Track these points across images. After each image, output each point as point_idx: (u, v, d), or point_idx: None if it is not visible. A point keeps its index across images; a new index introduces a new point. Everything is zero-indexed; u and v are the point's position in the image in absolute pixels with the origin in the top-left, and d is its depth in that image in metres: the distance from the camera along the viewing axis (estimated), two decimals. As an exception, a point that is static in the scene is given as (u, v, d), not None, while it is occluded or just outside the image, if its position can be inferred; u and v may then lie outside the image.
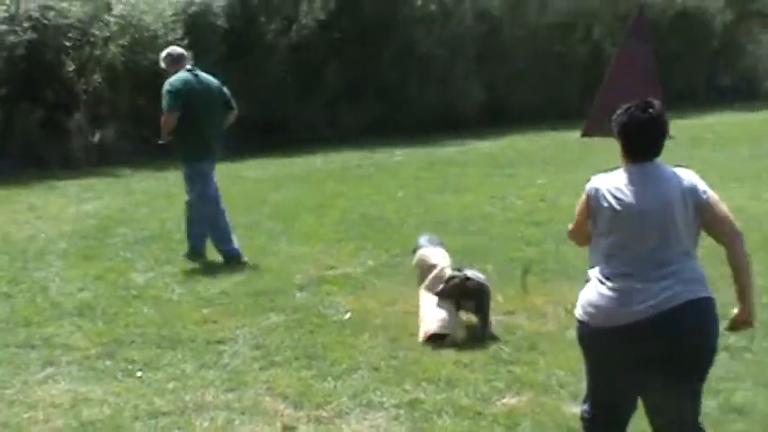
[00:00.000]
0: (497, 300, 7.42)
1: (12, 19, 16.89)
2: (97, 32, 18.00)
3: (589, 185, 4.17)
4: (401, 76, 22.20)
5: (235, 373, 6.25)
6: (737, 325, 4.11)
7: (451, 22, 23.21)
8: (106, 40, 18.02)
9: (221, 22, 19.55)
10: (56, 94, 17.82)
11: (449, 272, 7.05)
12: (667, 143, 4.12)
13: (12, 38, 16.80)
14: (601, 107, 20.23)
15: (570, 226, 4.45)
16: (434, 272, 7.18)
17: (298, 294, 8.19)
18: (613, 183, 4.08)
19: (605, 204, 4.05)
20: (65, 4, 17.73)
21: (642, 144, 4.07)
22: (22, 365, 6.48)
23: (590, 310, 4.05)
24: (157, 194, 13.71)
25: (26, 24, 17.05)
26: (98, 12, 18.16)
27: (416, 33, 22.55)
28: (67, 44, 17.75)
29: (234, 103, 9.46)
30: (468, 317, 7.11)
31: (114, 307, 7.87)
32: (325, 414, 5.56)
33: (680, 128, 14.87)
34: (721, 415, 5.27)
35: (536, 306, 7.65)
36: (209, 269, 9.07)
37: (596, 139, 19.21)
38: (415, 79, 22.40)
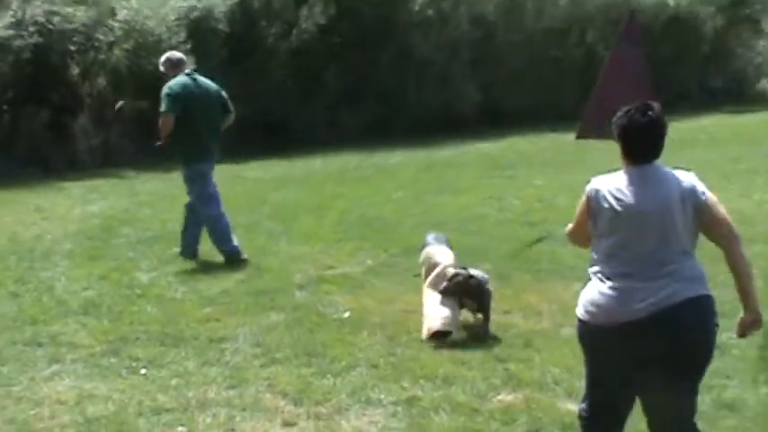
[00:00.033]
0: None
1: (18, 24, 16.88)
2: (102, 37, 18.00)
3: (589, 187, 4.17)
4: (399, 80, 22.18)
5: (236, 371, 6.25)
6: (746, 328, 4.07)
7: (448, 26, 23.19)
8: (110, 45, 18.02)
9: (223, 26, 19.54)
10: (61, 97, 17.81)
11: (452, 270, 7.03)
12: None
13: (18, 42, 16.80)
14: (594, 109, 20.14)
15: (569, 227, 4.43)
16: (437, 270, 7.17)
17: (297, 293, 8.19)
18: (614, 184, 4.07)
19: (606, 205, 4.05)
20: (70, 10, 17.72)
21: (642, 146, 4.06)
22: (29, 363, 6.49)
23: (591, 308, 4.04)
24: (161, 195, 13.69)
25: (32, 29, 17.03)
26: (102, 17, 18.16)
27: (414, 38, 22.53)
28: (72, 48, 17.74)
29: (231, 107, 9.49)
30: (465, 316, 7.12)
31: (119, 305, 7.88)
32: (324, 410, 5.56)
33: (673, 129, 14.83)
34: (713, 411, 5.27)
35: (531, 305, 7.66)
36: (211, 269, 9.08)
37: (591, 141, 19.20)
38: (413, 82, 22.37)
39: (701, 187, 4.01)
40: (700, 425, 4.20)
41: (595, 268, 4.11)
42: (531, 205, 12.27)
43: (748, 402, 5.53)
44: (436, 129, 21.50)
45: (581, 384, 5.66)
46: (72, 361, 6.51)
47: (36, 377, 6.21)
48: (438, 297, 6.91)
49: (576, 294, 7.74)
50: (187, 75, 9.16)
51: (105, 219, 12.10)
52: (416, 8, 22.39)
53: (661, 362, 3.92)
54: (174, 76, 9.12)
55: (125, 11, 18.11)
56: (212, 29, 19.34)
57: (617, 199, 4.02)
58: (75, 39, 17.71)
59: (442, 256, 7.44)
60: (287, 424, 5.40)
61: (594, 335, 4.07)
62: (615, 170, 4.17)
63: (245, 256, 9.33)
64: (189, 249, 9.41)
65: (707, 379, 4.17)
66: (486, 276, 7.09)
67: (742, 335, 4.11)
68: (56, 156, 17.21)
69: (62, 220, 12.16)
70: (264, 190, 14.33)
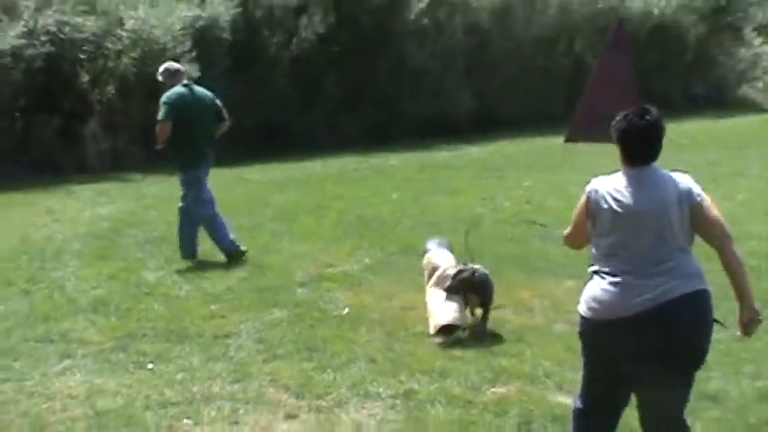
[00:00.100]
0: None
1: (30, 33, 16.87)
2: (110, 46, 17.98)
3: (589, 187, 4.15)
4: (396, 87, 22.17)
5: (240, 366, 6.25)
6: (747, 325, 4.03)
7: (444, 35, 23.18)
8: (119, 53, 18.00)
9: (227, 35, 19.52)
10: (72, 104, 17.79)
11: (456, 267, 6.99)
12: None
13: (30, 51, 16.78)
14: (583, 115, 20.24)
15: (567, 231, 4.41)
16: (439, 271, 7.14)
17: (299, 291, 8.19)
18: (613, 185, 4.06)
19: (605, 206, 4.03)
20: (80, 20, 17.70)
21: (640, 149, 4.05)
22: (41, 358, 6.48)
23: (593, 304, 4.02)
24: (166, 198, 13.63)
25: (44, 38, 17.02)
26: (111, 26, 18.14)
27: (410, 46, 22.52)
28: (82, 57, 17.72)
29: (226, 114, 9.59)
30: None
31: (126, 303, 7.87)
32: (325, 404, 5.56)
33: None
34: (697, 402, 5.24)
35: (523, 301, 7.65)
36: (215, 268, 9.06)
37: (579, 144, 19.24)
38: (410, 89, 22.37)
39: (696, 189, 4.00)
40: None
41: (595, 267, 4.09)
42: (521, 206, 12.26)
43: (731, 394, 5.52)
44: (432, 134, 21.47)
45: (572, 377, 5.69)
46: (82, 357, 6.51)
47: (48, 372, 6.21)
48: (443, 295, 6.85)
49: (568, 291, 7.84)
50: (184, 85, 9.27)
51: (114, 220, 12.08)
52: (412, 17, 22.36)
53: (660, 356, 3.90)
54: (173, 85, 9.23)
55: (132, 21, 18.09)
56: (216, 38, 19.33)
57: (616, 200, 4.01)
58: (84, 48, 17.69)
59: (442, 259, 7.41)
60: (289, 417, 5.39)
61: (596, 331, 4.05)
62: (611, 172, 4.16)
63: (243, 248, 9.37)
64: (188, 250, 9.43)
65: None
66: (487, 272, 7.06)
67: (746, 333, 4.06)
68: (66, 160, 17.18)
69: (72, 221, 12.14)
70: (266, 192, 14.32)
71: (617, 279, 3.96)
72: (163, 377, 6.06)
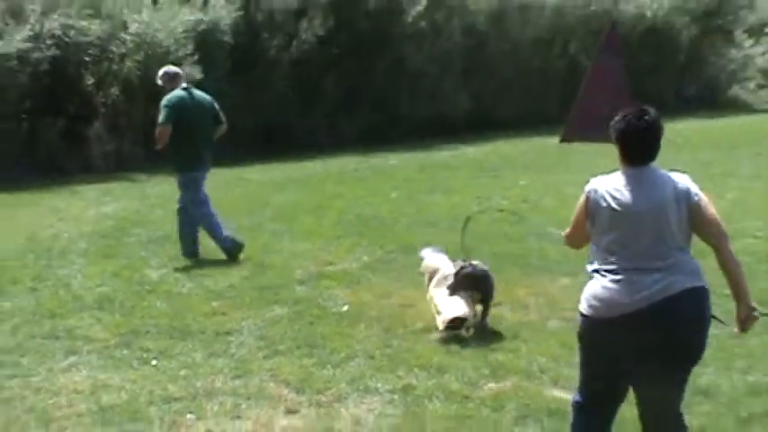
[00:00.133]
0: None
1: (36, 37, 16.85)
2: (114, 49, 17.96)
3: (588, 187, 4.15)
4: (395, 88, 22.14)
5: (241, 362, 6.25)
6: (744, 322, 4.03)
7: (441, 38, 23.16)
8: (123, 57, 17.98)
9: (228, 38, 19.50)
10: (77, 106, 17.76)
11: (457, 264, 6.96)
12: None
13: (36, 55, 16.77)
14: (577, 116, 20.24)
15: (566, 231, 4.40)
16: (439, 273, 7.10)
17: (299, 288, 8.19)
18: (612, 184, 4.05)
19: (604, 204, 4.03)
20: (85, 23, 17.68)
21: (639, 149, 4.04)
22: (47, 355, 6.49)
23: (594, 303, 4.01)
24: (170, 198, 13.52)
25: (49, 42, 17.00)
26: (115, 30, 18.12)
27: (408, 48, 22.49)
28: (87, 60, 17.70)
29: (223, 118, 9.62)
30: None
31: (131, 301, 7.87)
32: (324, 399, 5.56)
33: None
34: (689, 397, 5.23)
35: (519, 298, 7.65)
36: (217, 266, 9.07)
37: (574, 144, 19.24)
38: (408, 90, 22.34)
39: (694, 189, 4.00)
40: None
41: (595, 265, 4.07)
42: (517, 205, 12.23)
43: (722, 388, 5.53)
44: (429, 135, 21.46)
45: (567, 373, 5.70)
46: (87, 353, 6.52)
47: (54, 368, 6.21)
48: (446, 293, 6.80)
49: (563, 288, 7.85)
50: (184, 88, 9.31)
51: (118, 220, 12.08)
52: (410, 20, 22.34)
53: (659, 353, 3.90)
54: (172, 89, 9.28)
55: (136, 24, 18.07)
56: (218, 41, 19.31)
57: (614, 198, 4.00)
58: (89, 51, 17.67)
59: (440, 261, 7.38)
60: (290, 411, 5.40)
61: (597, 329, 4.03)
62: (608, 172, 4.16)
63: (240, 239, 9.40)
64: (189, 249, 9.45)
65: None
66: (487, 268, 7.04)
67: (743, 329, 4.07)
68: (71, 161, 17.17)
69: (77, 221, 12.13)
70: (267, 192, 14.31)
71: (617, 277, 3.95)
72: (166, 373, 6.06)
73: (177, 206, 9.56)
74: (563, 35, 26.02)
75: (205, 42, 18.77)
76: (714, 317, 4.02)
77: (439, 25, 23.10)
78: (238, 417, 5.33)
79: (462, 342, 6.53)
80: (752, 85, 31.72)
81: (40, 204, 13.71)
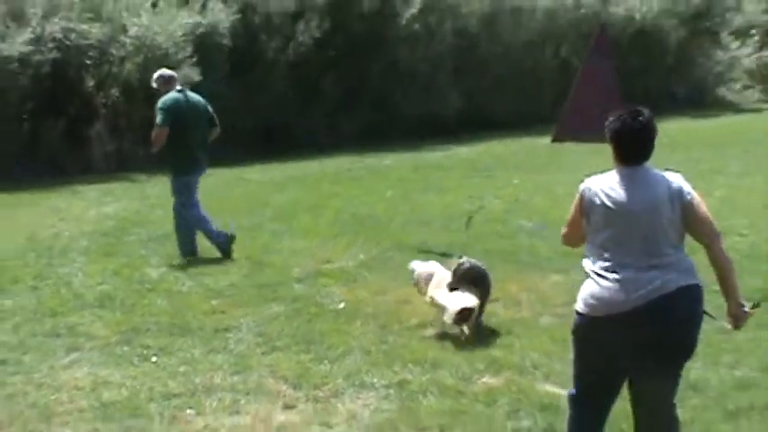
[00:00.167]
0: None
1: (38, 40, 16.84)
2: (115, 52, 17.96)
3: (583, 186, 4.14)
4: (390, 89, 22.15)
5: (240, 358, 6.24)
6: (738, 318, 4.04)
7: (434, 40, 23.16)
8: (122, 59, 17.98)
9: (226, 41, 19.51)
10: (77, 107, 17.77)
11: (454, 263, 6.92)
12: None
13: (38, 57, 16.76)
14: (568, 117, 20.25)
15: (563, 230, 4.40)
16: (436, 276, 7.00)
17: (296, 286, 8.18)
18: (606, 183, 4.05)
19: (598, 202, 4.02)
20: (85, 27, 17.66)
21: (633, 149, 4.04)
22: (49, 352, 6.48)
23: (591, 301, 3.99)
24: (169, 198, 13.53)
25: (51, 45, 16.99)
26: (115, 33, 18.11)
27: (402, 50, 22.50)
28: (88, 62, 17.70)
29: (217, 121, 9.59)
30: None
31: (131, 299, 7.86)
32: (321, 394, 5.56)
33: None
34: (679, 391, 5.26)
35: (511, 295, 7.64)
36: (216, 264, 9.06)
37: (565, 144, 19.25)
38: (402, 91, 22.35)
39: (687, 188, 4.00)
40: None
41: (591, 262, 4.06)
42: (509, 204, 12.25)
43: (711, 383, 5.54)
44: (423, 134, 21.46)
45: (559, 368, 5.71)
46: (88, 350, 6.50)
47: (55, 365, 6.20)
48: (447, 290, 6.73)
49: (554, 285, 7.86)
50: (178, 91, 9.28)
51: (118, 219, 12.07)
52: (404, 23, 22.34)
53: (655, 350, 3.90)
54: (167, 91, 9.25)
55: (136, 27, 18.06)
56: (217, 44, 19.31)
57: (609, 197, 4.00)
58: (90, 54, 17.66)
59: (433, 267, 7.24)
60: (287, 406, 5.39)
61: (594, 327, 4.01)
62: (600, 172, 4.16)
63: (230, 232, 9.39)
64: (186, 248, 9.42)
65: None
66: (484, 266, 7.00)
67: (737, 327, 4.08)
68: (72, 162, 17.16)
69: (78, 220, 12.11)
70: (266, 191, 14.30)
71: (614, 275, 3.93)
72: (166, 369, 6.05)
73: (173, 206, 9.54)
74: (554, 38, 26.03)
75: (204, 45, 18.77)
76: (706, 312, 4.02)
77: (432, 28, 23.11)
78: (237, 412, 5.33)
79: (456, 338, 6.52)
80: (738, 85, 31.79)
81: (41, 204, 13.69)
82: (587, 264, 4.09)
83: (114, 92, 17.87)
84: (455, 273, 6.80)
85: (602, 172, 4.16)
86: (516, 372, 5.84)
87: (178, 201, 9.42)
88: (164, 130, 9.03)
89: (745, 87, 31.91)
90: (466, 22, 24.01)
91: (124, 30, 18.14)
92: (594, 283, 4.00)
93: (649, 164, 4.07)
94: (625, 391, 4.19)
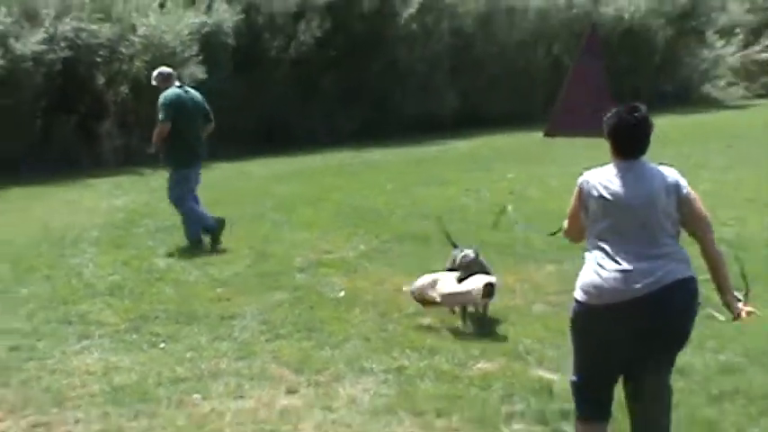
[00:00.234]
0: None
1: (50, 40, 16.78)
2: (124, 50, 17.90)
3: (581, 179, 4.13)
4: (388, 87, 22.10)
5: (244, 344, 6.24)
6: (730, 306, 4.07)
7: (431, 39, 23.11)
8: (131, 57, 17.92)
9: (231, 40, 19.46)
10: (88, 104, 17.72)
11: (456, 255, 6.86)
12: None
13: (50, 56, 16.70)
14: (560, 113, 20.22)
15: (565, 224, 4.38)
16: (441, 279, 6.71)
17: (298, 276, 8.17)
18: (604, 176, 4.04)
19: (596, 194, 4.01)
20: (96, 27, 17.59)
21: (630, 143, 4.04)
22: (62, 338, 6.47)
23: (591, 290, 3.96)
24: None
25: (63, 44, 16.93)
26: (125, 32, 18.05)
27: (401, 49, 22.45)
28: (98, 61, 17.62)
29: (212, 116, 9.60)
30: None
31: (140, 288, 7.85)
32: (323, 379, 5.56)
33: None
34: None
35: (506, 284, 7.61)
36: (222, 255, 9.06)
37: (556, 139, 19.23)
38: (401, 89, 22.30)
39: (683, 182, 4.01)
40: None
41: (590, 252, 4.04)
42: (504, 196, 12.23)
43: (696, 367, 5.53)
44: (421, 130, 21.42)
45: (551, 354, 5.72)
46: (99, 337, 6.50)
47: (67, 351, 6.19)
48: (456, 282, 6.57)
49: (547, 275, 7.86)
50: (178, 87, 9.30)
51: (128, 211, 12.05)
52: (402, 23, 22.28)
53: (651, 339, 3.90)
54: (166, 88, 9.28)
55: (144, 27, 18.00)
56: (221, 42, 19.26)
57: (606, 188, 3.99)
58: (100, 52, 17.59)
59: (430, 276, 6.84)
60: (290, 391, 5.39)
61: (593, 316, 3.98)
62: (593, 166, 4.15)
63: (219, 217, 9.41)
64: (193, 235, 9.39)
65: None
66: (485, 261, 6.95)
67: (738, 315, 4.08)
68: (84, 156, 17.15)
69: (89, 212, 12.10)
70: (268, 185, 14.27)
71: (614, 265, 3.92)
72: (174, 355, 6.05)
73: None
74: (546, 38, 25.97)
75: (209, 44, 18.72)
76: (712, 314, 4.02)
77: (429, 27, 23.04)
78: (241, 396, 5.33)
79: (453, 325, 6.53)
80: (722, 82, 31.76)
81: (54, 197, 13.67)
82: (587, 254, 4.08)
83: (123, 89, 17.82)
84: (460, 264, 6.76)
85: (597, 165, 4.15)
86: (510, 357, 5.84)
87: (173, 193, 9.41)
88: (166, 125, 9.05)
89: (730, 84, 31.88)
90: (462, 21, 23.95)
91: (133, 29, 18.09)
92: (594, 272, 3.98)
93: (645, 158, 4.07)
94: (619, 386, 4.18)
